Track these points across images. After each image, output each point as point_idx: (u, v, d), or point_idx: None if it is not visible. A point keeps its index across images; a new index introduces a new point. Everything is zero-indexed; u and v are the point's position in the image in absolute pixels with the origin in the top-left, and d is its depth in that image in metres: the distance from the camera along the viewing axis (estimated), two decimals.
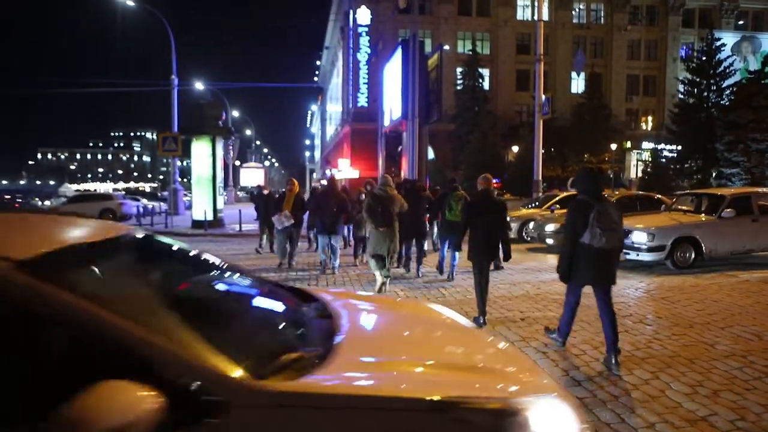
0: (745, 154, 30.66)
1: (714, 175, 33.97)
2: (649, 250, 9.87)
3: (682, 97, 38.52)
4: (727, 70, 36.73)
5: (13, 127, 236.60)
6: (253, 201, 26.63)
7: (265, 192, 13.11)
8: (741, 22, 50.51)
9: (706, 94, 36.71)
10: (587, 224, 4.76)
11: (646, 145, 46.38)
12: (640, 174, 42.50)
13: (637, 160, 47.66)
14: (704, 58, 37.22)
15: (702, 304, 7.26)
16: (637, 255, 10.06)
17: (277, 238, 11.06)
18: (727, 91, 35.65)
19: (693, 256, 9.97)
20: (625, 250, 10.15)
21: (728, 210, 10.08)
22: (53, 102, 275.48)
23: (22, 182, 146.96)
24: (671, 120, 38.61)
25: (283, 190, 11.63)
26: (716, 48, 37.03)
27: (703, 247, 10.00)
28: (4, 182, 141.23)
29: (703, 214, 10.70)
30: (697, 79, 37.05)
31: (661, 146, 40.28)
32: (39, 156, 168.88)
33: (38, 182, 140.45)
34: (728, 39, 43.15)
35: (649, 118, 51.27)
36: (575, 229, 4.92)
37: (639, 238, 10.05)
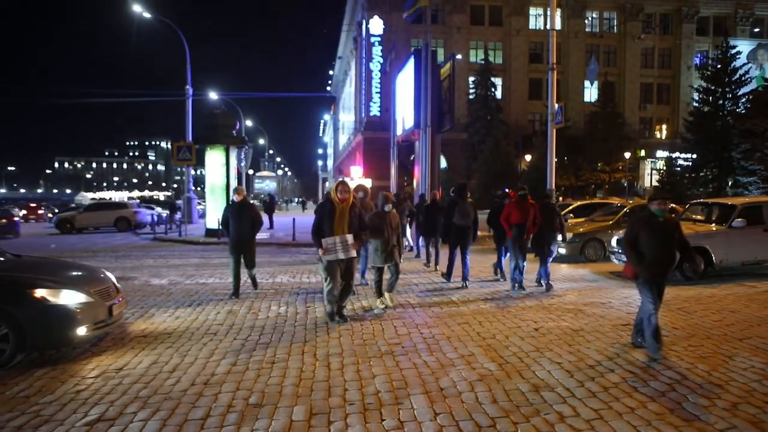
0: (761, 162, 30.26)
1: (730, 183, 33.56)
2: None
3: (696, 105, 38.16)
4: (743, 78, 36.35)
5: (30, 137, 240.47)
6: (265, 210, 26.61)
7: (237, 198, 8.61)
8: (756, 30, 50.08)
9: (721, 102, 36.33)
10: (455, 212, 9.43)
11: (661, 153, 46.00)
12: (654, 183, 42.11)
13: (652, 169, 47.27)
14: (719, 66, 36.86)
15: (719, 315, 7.14)
16: None
17: (326, 283, 6.81)
18: (743, 99, 35.25)
19: (703, 266, 9.71)
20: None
21: (739, 219, 9.88)
22: (70, 112, 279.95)
23: (39, 191, 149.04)
24: (686, 128, 38.23)
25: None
26: (731, 56, 36.68)
27: (714, 257, 9.78)
28: (22, 191, 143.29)
29: (713, 224, 10.52)
30: (712, 87, 36.68)
31: (676, 155, 39.89)
32: (56, 165, 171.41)
33: (55, 191, 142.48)
34: (743, 46, 42.77)
35: (663, 127, 50.89)
36: (450, 214, 9.53)
37: None
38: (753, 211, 10.24)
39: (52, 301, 5.32)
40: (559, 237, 9.64)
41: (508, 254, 9.31)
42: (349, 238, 6.62)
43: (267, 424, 3.89)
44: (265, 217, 25.00)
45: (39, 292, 5.30)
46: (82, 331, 5.41)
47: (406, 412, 4.07)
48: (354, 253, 6.75)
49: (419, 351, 5.61)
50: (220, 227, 9.09)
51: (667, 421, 3.89)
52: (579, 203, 16.69)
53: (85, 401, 4.35)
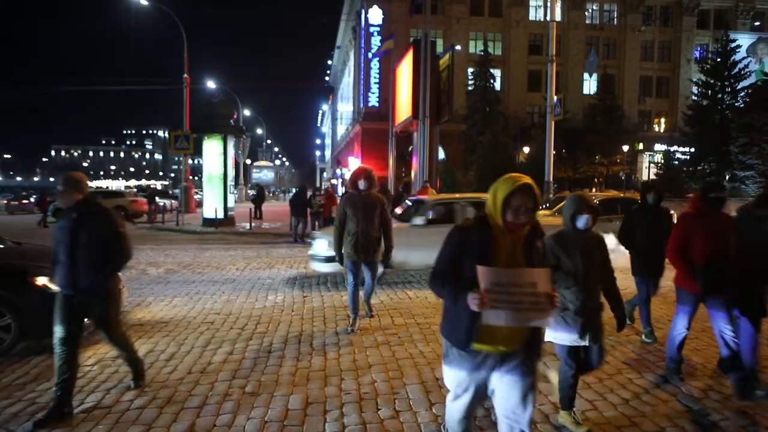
0: (759, 156, 30.36)
1: (728, 177, 33.65)
2: (327, 260, 8.37)
3: (695, 98, 38.19)
4: (743, 72, 36.35)
5: (27, 125, 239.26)
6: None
7: (67, 203, 4.01)
8: (757, 23, 49.93)
9: (720, 95, 36.36)
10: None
11: (659, 147, 45.99)
12: (652, 176, 42.15)
13: (650, 162, 47.27)
14: (719, 60, 36.87)
15: None
16: (319, 265, 8.75)
17: (452, 399, 2.83)
18: (742, 93, 35.30)
19: (380, 269, 8.11)
20: (311, 262, 9.08)
21: (420, 217, 8.71)
22: (67, 100, 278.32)
23: (36, 179, 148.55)
24: (684, 122, 38.28)
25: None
26: (731, 49, 36.66)
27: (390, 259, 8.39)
28: (18, 179, 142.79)
29: (397, 221, 8.95)
30: (712, 81, 36.69)
31: (674, 148, 39.95)
32: (53, 153, 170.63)
33: (52, 179, 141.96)
34: (744, 40, 42.69)
35: (662, 120, 50.84)
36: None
37: (319, 247, 8.70)
38: (443, 207, 9.22)
39: (54, 289, 5.31)
40: None
41: (678, 318, 4.59)
42: (541, 279, 2.51)
43: (263, 413, 3.91)
44: (244, 206, 24.89)
45: (41, 280, 5.28)
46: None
47: (402, 402, 4.10)
48: (550, 320, 2.61)
49: (415, 341, 5.63)
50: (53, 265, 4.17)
51: (660, 412, 3.92)
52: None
53: (81, 389, 4.35)
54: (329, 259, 8.32)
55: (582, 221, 3.45)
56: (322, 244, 8.62)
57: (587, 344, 3.55)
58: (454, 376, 2.73)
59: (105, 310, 4.13)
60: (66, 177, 4.05)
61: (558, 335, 3.59)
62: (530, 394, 2.63)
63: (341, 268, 8.21)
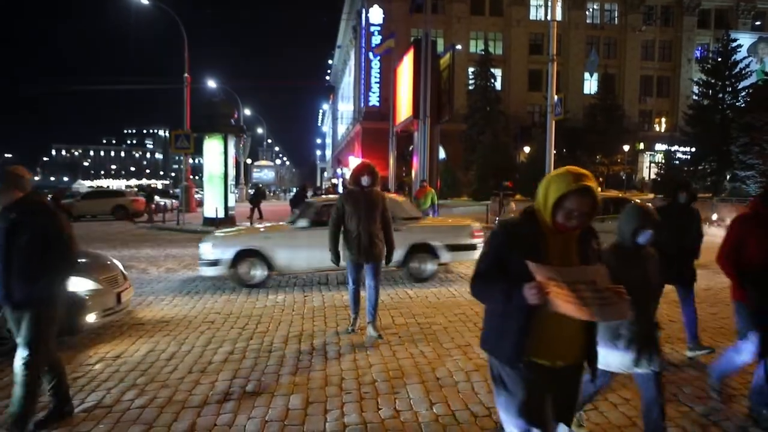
0: (760, 156, 30.33)
1: (728, 177, 33.64)
2: (211, 264, 8.32)
3: (696, 98, 38.18)
4: (743, 72, 36.34)
5: (27, 124, 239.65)
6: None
7: (7, 199, 3.49)
8: (758, 23, 49.92)
9: (721, 95, 36.35)
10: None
11: (660, 146, 46.00)
12: (652, 176, 42.16)
13: (650, 162, 47.27)
14: (720, 59, 36.86)
15: (715, 308, 7.17)
16: (205, 269, 8.51)
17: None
18: (743, 93, 35.29)
19: (264, 272, 8.39)
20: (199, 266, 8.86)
21: (302, 219, 8.56)
22: (67, 99, 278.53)
23: (36, 178, 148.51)
24: (685, 121, 38.27)
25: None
26: (732, 49, 36.65)
27: (272, 262, 8.38)
28: None
29: (283, 223, 9.45)
30: (712, 81, 36.68)
31: (675, 148, 39.95)
32: (53, 152, 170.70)
33: (52, 178, 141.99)
34: (744, 40, 42.68)
35: (663, 120, 50.84)
36: None
37: (204, 250, 8.47)
38: (328, 210, 8.83)
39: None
40: None
41: (745, 343, 3.91)
42: (600, 276, 2.20)
43: (264, 412, 3.91)
44: (245, 206, 24.92)
45: None
46: (91, 318, 5.42)
47: (402, 402, 4.09)
48: (625, 312, 2.20)
49: (416, 341, 5.62)
50: None
51: None
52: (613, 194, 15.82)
53: (82, 388, 4.36)
54: (213, 263, 8.35)
55: (645, 237, 3.17)
56: (206, 248, 8.46)
57: (643, 371, 3.12)
58: (514, 404, 2.29)
59: (35, 328, 3.39)
60: (5, 172, 3.51)
61: (608, 361, 3.09)
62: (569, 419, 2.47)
63: (225, 271, 8.24)
